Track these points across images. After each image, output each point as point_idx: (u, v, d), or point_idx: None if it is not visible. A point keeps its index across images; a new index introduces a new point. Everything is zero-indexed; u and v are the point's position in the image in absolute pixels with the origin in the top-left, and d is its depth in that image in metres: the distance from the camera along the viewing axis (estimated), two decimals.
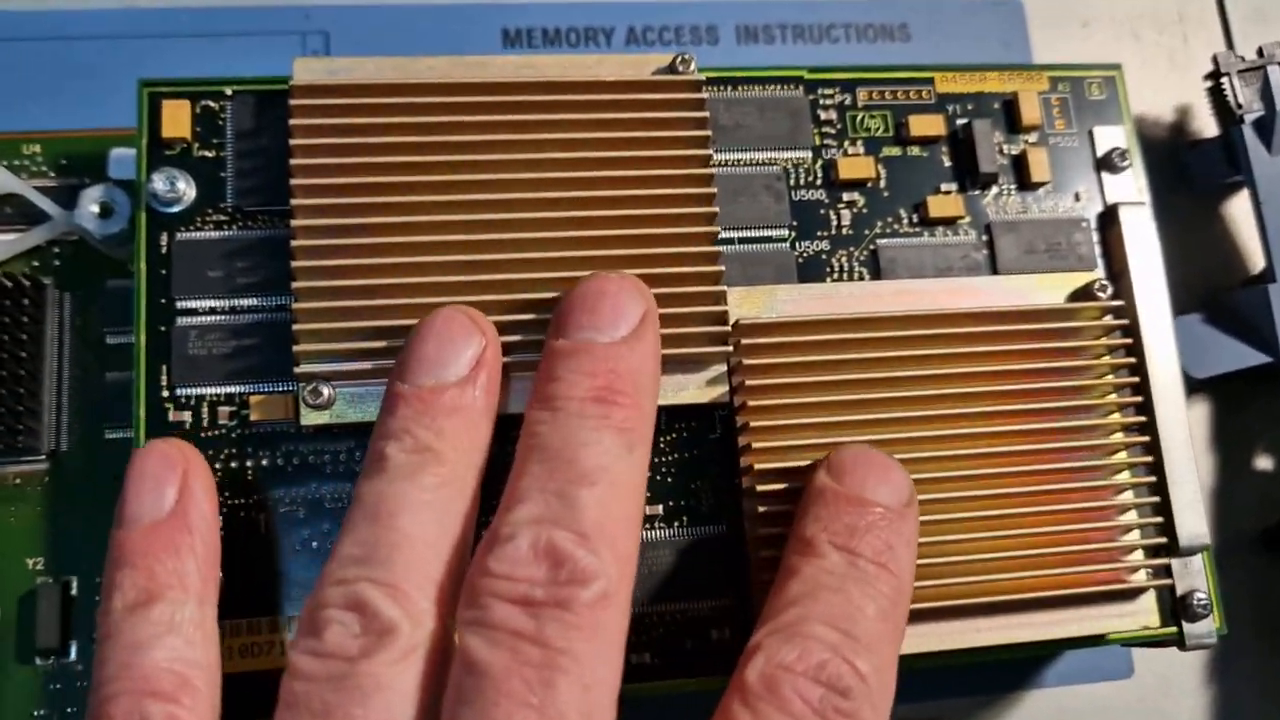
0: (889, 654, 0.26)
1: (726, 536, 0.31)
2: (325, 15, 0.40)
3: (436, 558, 0.25)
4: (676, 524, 0.31)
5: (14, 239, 0.34)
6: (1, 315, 0.32)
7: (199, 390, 0.30)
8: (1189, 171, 0.42)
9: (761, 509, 0.29)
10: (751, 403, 0.30)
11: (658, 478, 0.31)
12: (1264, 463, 0.40)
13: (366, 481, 0.26)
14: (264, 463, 0.30)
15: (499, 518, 0.25)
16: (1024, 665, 0.38)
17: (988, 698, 0.37)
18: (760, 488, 0.29)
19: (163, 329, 0.31)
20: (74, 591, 0.32)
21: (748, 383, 0.30)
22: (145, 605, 0.26)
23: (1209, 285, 0.41)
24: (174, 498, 0.27)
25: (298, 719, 0.23)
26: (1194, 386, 0.39)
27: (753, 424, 0.30)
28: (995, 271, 0.34)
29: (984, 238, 0.34)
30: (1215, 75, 0.39)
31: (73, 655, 0.32)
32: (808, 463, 0.29)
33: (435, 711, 0.24)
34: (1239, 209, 0.41)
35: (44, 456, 0.32)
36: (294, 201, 0.30)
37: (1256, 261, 0.41)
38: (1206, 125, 0.42)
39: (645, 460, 0.27)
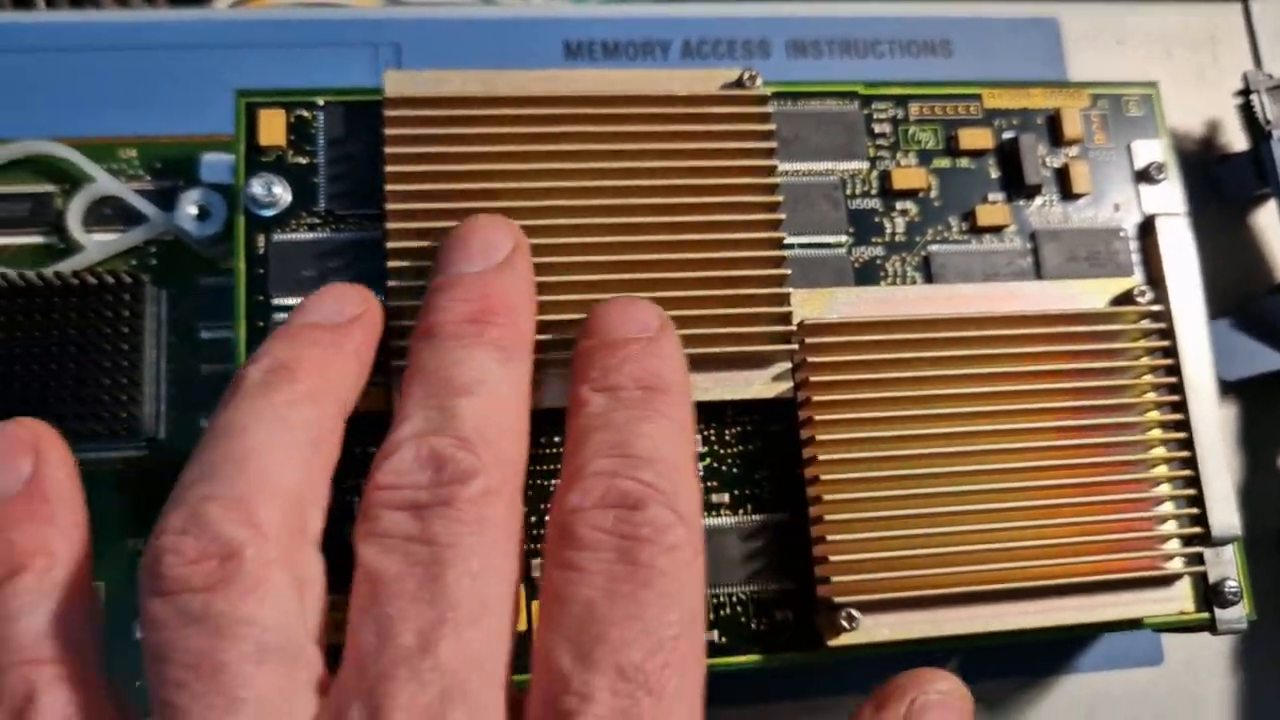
0: (675, 459, 0.27)
1: (788, 523, 0.33)
2: (396, 28, 0.42)
3: (286, 472, 0.25)
4: (741, 511, 0.33)
5: (115, 239, 0.36)
6: (104, 310, 0.34)
7: None
8: (1219, 184, 0.43)
9: (827, 496, 0.31)
10: (816, 398, 0.32)
11: (723, 468, 0.33)
12: None
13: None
14: (355, 451, 0.32)
15: (386, 439, 0.27)
16: (1060, 650, 0.40)
17: (1024, 681, 0.39)
18: (825, 476, 0.31)
19: (260, 324, 0.33)
20: None
21: (811, 379, 0.32)
22: (12, 577, 0.25)
23: (1240, 292, 0.42)
24: (27, 472, 0.27)
25: (174, 675, 0.23)
26: (1224, 388, 0.41)
27: (816, 418, 0.32)
28: (1040, 277, 0.36)
29: (1029, 245, 0.36)
30: (1245, 92, 0.41)
31: None
32: (869, 455, 0.31)
33: (311, 635, 0.25)
34: (1268, 220, 0.43)
35: (144, 443, 0.35)
36: (388, 206, 0.32)
37: None
38: (1236, 139, 0.44)
39: (524, 373, 0.29)
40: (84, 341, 0.34)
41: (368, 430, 0.31)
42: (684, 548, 0.25)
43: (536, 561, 0.32)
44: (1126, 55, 0.45)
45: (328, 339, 0.29)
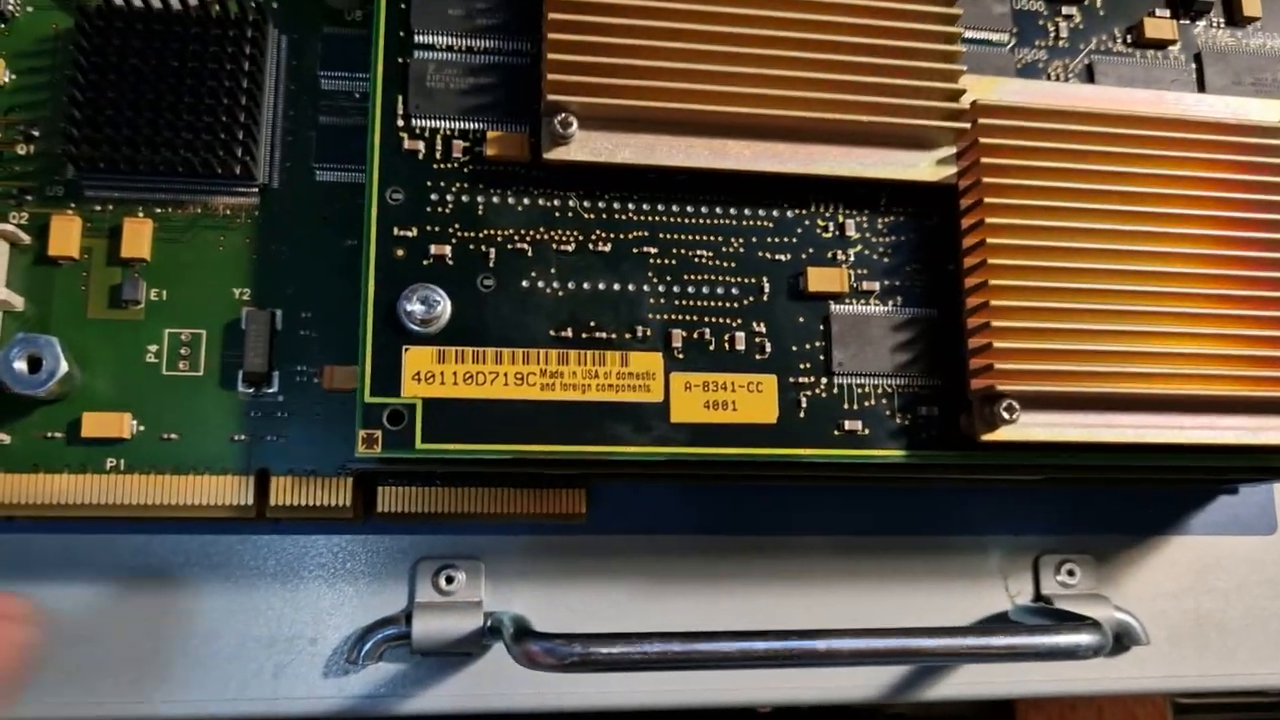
0: None
1: (937, 320, 0.31)
2: None
3: None
4: (891, 303, 0.31)
5: None
6: (226, 45, 0.32)
7: (434, 123, 0.30)
8: None
9: (994, 281, 0.30)
10: (987, 181, 0.30)
11: (875, 256, 0.31)
12: None
13: None
14: (494, 199, 0.30)
15: None
16: (1171, 509, 0.38)
17: (1132, 539, 0.38)
18: (992, 261, 0.30)
19: (400, 60, 0.31)
20: (278, 325, 0.32)
21: (984, 162, 0.30)
22: None
23: None
24: None
25: None
26: None
27: (987, 201, 0.30)
28: None
29: (1193, 65, 0.35)
30: None
31: (275, 386, 0.32)
32: (1036, 244, 0.30)
33: None
34: None
35: (256, 189, 0.32)
36: None
37: None
38: None
39: None
40: (203, 75, 0.32)
41: None
42: None
43: (677, 331, 0.30)
44: None
45: None
